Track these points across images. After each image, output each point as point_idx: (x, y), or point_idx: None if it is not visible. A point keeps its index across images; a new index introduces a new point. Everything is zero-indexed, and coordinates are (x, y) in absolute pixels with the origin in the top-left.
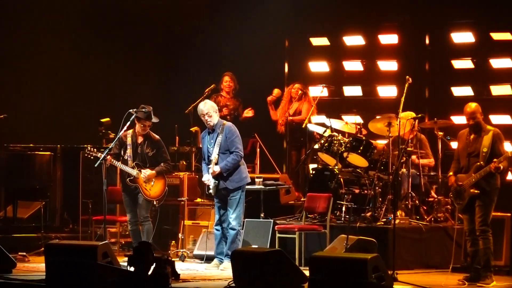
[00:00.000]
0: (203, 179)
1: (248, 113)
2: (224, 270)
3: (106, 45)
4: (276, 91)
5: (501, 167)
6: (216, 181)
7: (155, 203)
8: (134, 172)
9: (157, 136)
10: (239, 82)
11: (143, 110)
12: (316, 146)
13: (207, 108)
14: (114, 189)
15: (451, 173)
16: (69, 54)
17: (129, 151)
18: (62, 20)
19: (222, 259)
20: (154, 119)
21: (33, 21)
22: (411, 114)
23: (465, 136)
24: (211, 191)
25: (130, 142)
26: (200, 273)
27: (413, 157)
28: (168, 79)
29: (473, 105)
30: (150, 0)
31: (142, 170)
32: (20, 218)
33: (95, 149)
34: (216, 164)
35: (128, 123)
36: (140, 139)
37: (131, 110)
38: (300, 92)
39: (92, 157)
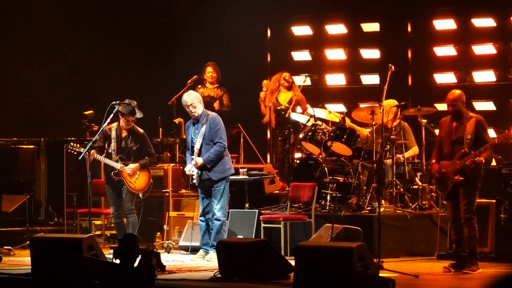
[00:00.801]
0: (185, 169)
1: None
2: (210, 261)
3: (88, 37)
4: (265, 83)
5: (482, 160)
6: (199, 171)
7: (140, 195)
8: (118, 165)
9: (141, 130)
10: (221, 72)
11: (126, 103)
12: (300, 136)
13: (191, 99)
14: (99, 182)
15: (434, 161)
16: (51, 46)
17: (113, 145)
18: (44, 13)
19: (208, 250)
20: (138, 114)
21: (12, 14)
22: (394, 102)
23: (447, 123)
24: (194, 181)
25: (114, 136)
26: (186, 264)
27: (399, 155)
28: (151, 70)
29: (456, 92)
30: None
31: (126, 165)
32: (5, 212)
33: (78, 144)
34: (199, 155)
35: (111, 115)
36: (124, 133)
37: (114, 102)
38: (292, 80)
39: (75, 153)
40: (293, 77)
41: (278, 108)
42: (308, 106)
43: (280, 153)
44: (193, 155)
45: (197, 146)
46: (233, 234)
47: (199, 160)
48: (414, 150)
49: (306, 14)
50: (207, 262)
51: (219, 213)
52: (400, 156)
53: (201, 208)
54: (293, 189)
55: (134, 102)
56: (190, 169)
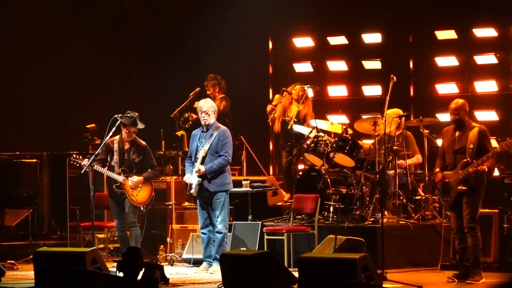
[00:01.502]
0: (184, 178)
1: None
2: (213, 273)
3: (91, 50)
4: (277, 98)
5: (484, 168)
6: (200, 179)
7: (142, 208)
8: (120, 178)
9: (143, 142)
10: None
11: (128, 115)
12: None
13: (207, 106)
14: (102, 195)
15: (437, 170)
16: (53, 60)
17: (115, 157)
18: (45, 26)
19: (211, 262)
20: (140, 125)
21: (14, 27)
22: (398, 110)
23: (450, 133)
24: (192, 191)
25: (116, 148)
26: (190, 277)
27: (400, 161)
28: (153, 83)
29: (459, 101)
30: (134, 4)
31: (129, 177)
32: (8, 226)
33: (80, 156)
34: (202, 163)
35: (114, 128)
36: (126, 145)
37: (117, 115)
38: (303, 94)
39: (78, 165)
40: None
41: (284, 119)
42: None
43: (284, 165)
44: (195, 163)
45: (201, 154)
46: (236, 246)
47: (202, 168)
48: (417, 157)
49: (307, 25)
50: (211, 275)
51: (220, 225)
52: (403, 161)
53: (200, 220)
54: (296, 200)
55: (136, 113)
56: (189, 178)
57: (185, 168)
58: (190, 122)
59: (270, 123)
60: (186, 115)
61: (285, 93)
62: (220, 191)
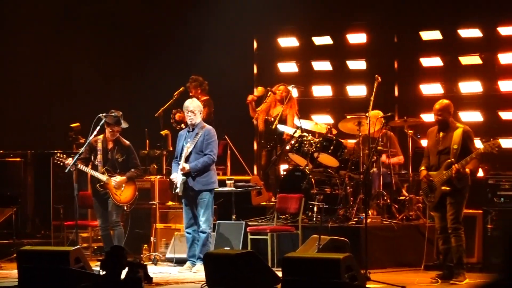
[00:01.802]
0: (171, 177)
1: None
2: (197, 272)
3: (75, 49)
4: (260, 89)
5: (467, 170)
6: (184, 178)
7: (125, 208)
8: (104, 177)
9: (127, 142)
10: (208, 84)
11: (112, 115)
12: (287, 147)
13: (193, 106)
14: (85, 194)
15: (422, 168)
16: (37, 59)
17: (99, 157)
18: (29, 26)
19: (195, 262)
20: (124, 125)
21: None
22: (379, 113)
23: (434, 133)
24: (177, 190)
25: (100, 148)
26: (173, 276)
27: (383, 157)
28: (138, 82)
29: (444, 102)
30: (119, 4)
31: (112, 178)
32: None
33: (64, 155)
34: (186, 162)
35: (98, 127)
36: (110, 145)
37: (101, 114)
38: (287, 94)
39: (62, 164)
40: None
41: (267, 118)
42: (295, 118)
43: (264, 165)
44: (180, 162)
45: (186, 152)
46: (220, 245)
47: (186, 166)
48: (399, 158)
49: (292, 25)
50: (194, 274)
51: (205, 225)
52: (386, 159)
53: (185, 219)
54: (280, 200)
55: (120, 112)
56: (176, 176)
57: (172, 168)
58: (183, 126)
59: (255, 122)
60: (175, 116)
61: (270, 92)
62: (205, 190)
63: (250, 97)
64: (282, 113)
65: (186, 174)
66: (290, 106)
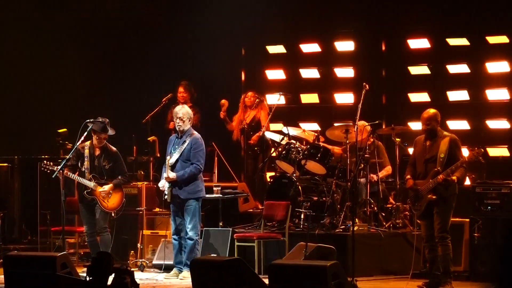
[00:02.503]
0: (159, 184)
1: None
2: (184, 279)
3: (62, 54)
4: (222, 102)
5: (454, 178)
6: (170, 186)
7: (113, 214)
8: (91, 184)
9: (114, 149)
10: (196, 90)
11: (99, 121)
12: (274, 154)
13: (183, 112)
14: (73, 200)
15: (408, 176)
16: (24, 64)
17: (86, 163)
18: (16, 30)
19: (182, 269)
20: (110, 132)
21: None
22: (364, 123)
23: (422, 142)
24: (166, 197)
25: (87, 154)
26: (160, 282)
27: (372, 175)
28: (126, 88)
29: (431, 111)
30: (104, 10)
31: (99, 184)
32: None
33: (51, 163)
34: (173, 170)
35: (85, 133)
36: (97, 151)
37: (88, 120)
38: (256, 100)
39: (48, 171)
40: (267, 95)
41: (242, 127)
42: (281, 125)
43: (250, 172)
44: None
45: (172, 160)
46: (207, 252)
47: (171, 175)
48: (387, 170)
49: (280, 33)
50: (181, 281)
51: (192, 232)
52: (374, 176)
53: (173, 226)
54: (267, 207)
55: (106, 119)
56: (163, 184)
57: (161, 175)
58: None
59: (229, 129)
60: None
61: (240, 102)
62: (191, 198)
63: (221, 114)
64: (255, 116)
65: (173, 182)
66: (261, 108)
